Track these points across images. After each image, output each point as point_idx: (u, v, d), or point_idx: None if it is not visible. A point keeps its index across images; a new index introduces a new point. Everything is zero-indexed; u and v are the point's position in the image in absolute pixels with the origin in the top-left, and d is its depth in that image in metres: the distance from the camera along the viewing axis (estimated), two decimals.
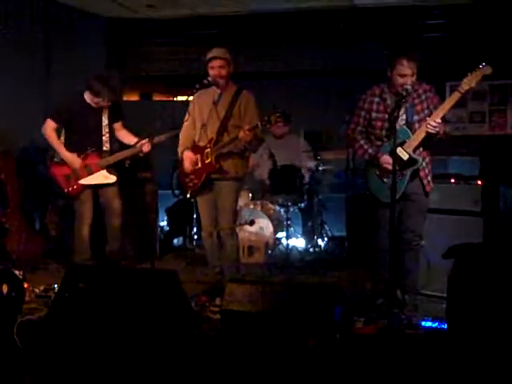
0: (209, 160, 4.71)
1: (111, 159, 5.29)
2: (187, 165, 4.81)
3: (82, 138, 5.28)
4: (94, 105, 5.29)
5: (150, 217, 6.51)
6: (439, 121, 4.18)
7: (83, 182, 5.26)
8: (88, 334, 3.57)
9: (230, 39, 7.87)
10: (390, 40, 7.22)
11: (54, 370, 3.39)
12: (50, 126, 5.29)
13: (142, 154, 5.25)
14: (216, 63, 4.70)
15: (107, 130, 5.31)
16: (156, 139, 5.10)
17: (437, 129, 4.17)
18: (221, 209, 4.80)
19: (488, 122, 7.56)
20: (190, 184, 4.86)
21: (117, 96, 5.36)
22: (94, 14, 8.12)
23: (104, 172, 5.28)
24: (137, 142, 5.23)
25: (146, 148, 5.14)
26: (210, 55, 4.74)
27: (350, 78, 7.68)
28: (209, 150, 4.71)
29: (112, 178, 5.31)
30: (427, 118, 4.23)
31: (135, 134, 5.48)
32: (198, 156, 4.77)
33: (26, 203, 6.11)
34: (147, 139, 5.07)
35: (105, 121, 5.30)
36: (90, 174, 5.26)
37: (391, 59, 4.28)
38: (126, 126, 5.55)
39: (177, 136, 4.95)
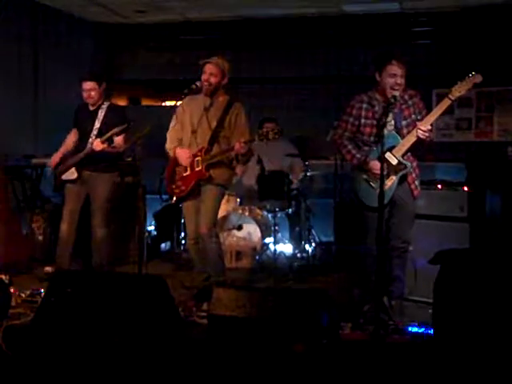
0: (199, 168, 4.75)
1: (76, 158, 5.49)
2: (183, 160, 4.80)
3: (81, 140, 5.58)
4: (91, 106, 5.49)
5: (137, 221, 6.47)
6: (429, 127, 4.22)
7: (63, 177, 5.58)
8: (74, 339, 3.55)
9: (218, 45, 7.89)
10: (378, 47, 7.26)
11: (40, 375, 3.37)
12: (72, 132, 5.71)
13: (92, 150, 5.34)
14: (208, 69, 4.72)
15: (95, 133, 5.41)
16: (108, 134, 5.23)
17: (426, 134, 4.21)
18: (202, 212, 4.80)
19: (474, 128, 7.62)
20: (177, 190, 4.88)
21: (103, 80, 5.59)
22: (83, 18, 8.11)
23: (72, 169, 5.52)
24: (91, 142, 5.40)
25: (97, 146, 5.27)
26: (205, 60, 4.76)
27: (338, 84, 7.71)
28: (199, 158, 4.76)
29: (74, 174, 5.52)
30: (417, 123, 4.27)
31: None
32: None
33: (13, 207, 6.12)
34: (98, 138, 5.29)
35: (96, 124, 5.44)
36: (67, 170, 5.56)
37: (381, 61, 4.32)
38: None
39: (126, 130, 5.20)
